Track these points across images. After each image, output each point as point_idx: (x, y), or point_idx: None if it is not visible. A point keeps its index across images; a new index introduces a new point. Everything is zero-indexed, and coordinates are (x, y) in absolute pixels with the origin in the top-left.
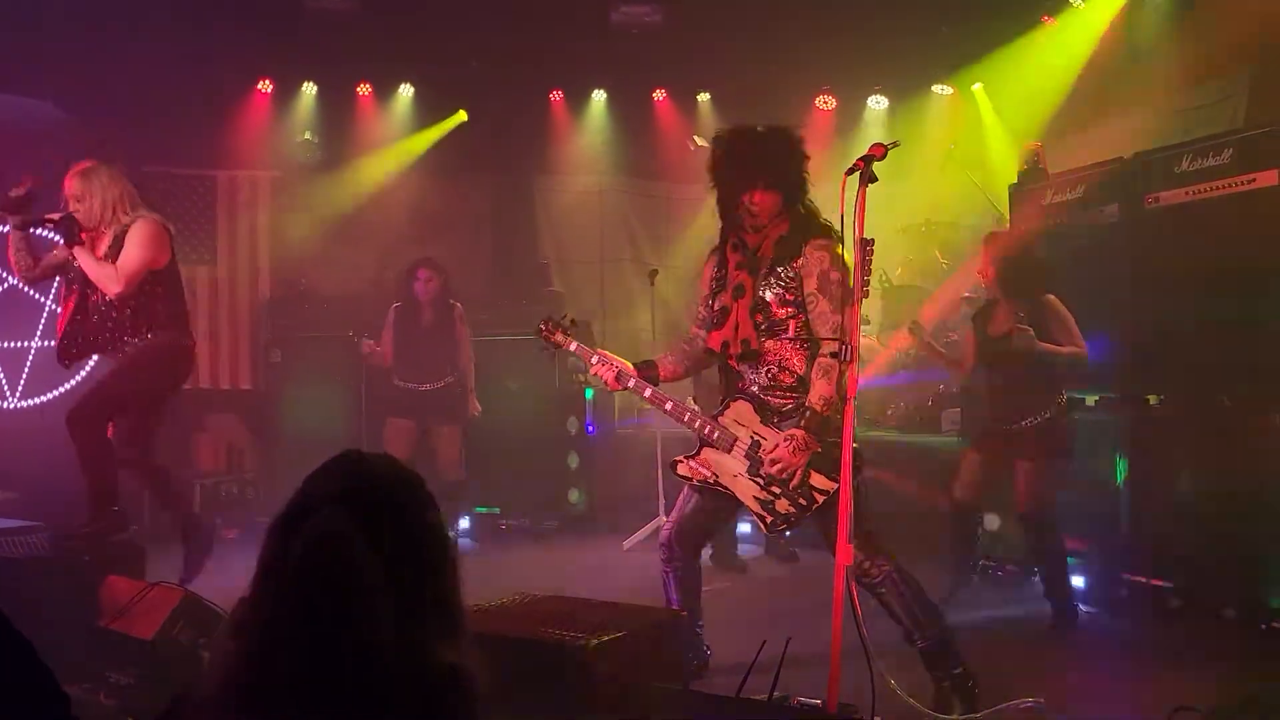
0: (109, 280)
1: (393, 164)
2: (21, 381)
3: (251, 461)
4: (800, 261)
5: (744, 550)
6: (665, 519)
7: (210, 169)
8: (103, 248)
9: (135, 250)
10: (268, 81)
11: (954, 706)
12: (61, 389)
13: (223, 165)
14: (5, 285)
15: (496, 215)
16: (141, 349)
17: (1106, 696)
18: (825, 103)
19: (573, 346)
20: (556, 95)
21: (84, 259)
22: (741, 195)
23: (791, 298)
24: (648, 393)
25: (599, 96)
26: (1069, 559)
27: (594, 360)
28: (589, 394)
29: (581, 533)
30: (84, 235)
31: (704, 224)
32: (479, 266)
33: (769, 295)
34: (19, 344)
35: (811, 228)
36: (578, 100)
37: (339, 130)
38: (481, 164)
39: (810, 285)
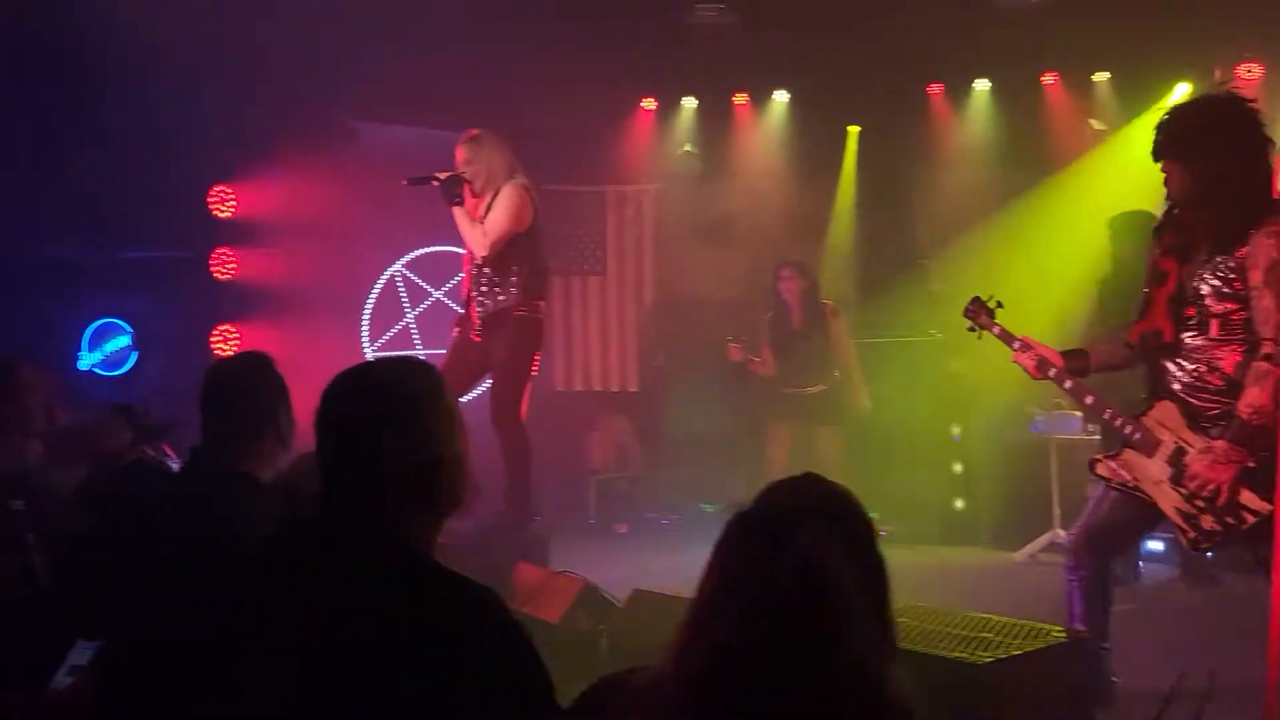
0: (477, 242)
1: (769, 170)
2: None
3: (639, 460)
4: (1246, 249)
5: (1156, 569)
6: (1061, 531)
7: (601, 185)
8: (480, 210)
9: (502, 215)
10: (651, 99)
11: None
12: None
13: (612, 181)
14: (432, 299)
15: (873, 215)
16: (522, 322)
17: None
18: (1249, 71)
19: (995, 331)
20: (936, 89)
21: (460, 219)
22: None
23: (1231, 290)
24: (1068, 384)
25: (981, 86)
26: None
27: (1015, 346)
28: None
29: (966, 542)
30: (468, 197)
31: None
32: (855, 268)
33: (1204, 287)
34: (441, 351)
35: (1261, 210)
36: (958, 92)
37: (717, 141)
38: (858, 163)
39: (1256, 277)
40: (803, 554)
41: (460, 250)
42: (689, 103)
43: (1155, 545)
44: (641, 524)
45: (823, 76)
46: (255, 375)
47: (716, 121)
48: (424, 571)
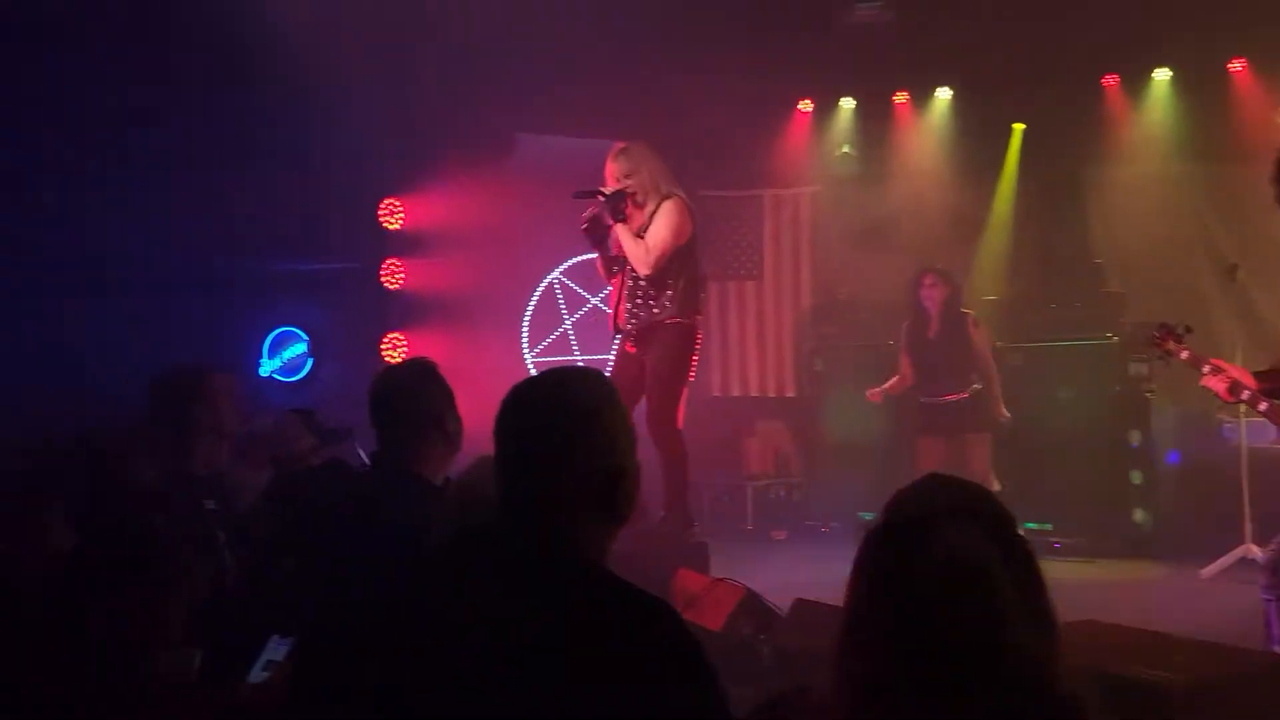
0: (641, 259)
1: (929, 170)
2: None
3: (797, 466)
4: None
5: None
6: (1255, 547)
7: (757, 189)
8: (637, 225)
9: (664, 230)
10: (808, 101)
11: None
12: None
13: (768, 184)
14: (589, 305)
15: (1040, 213)
16: (678, 329)
17: None
18: None
19: (1184, 355)
20: (1111, 80)
21: (623, 236)
22: None
23: None
24: (1263, 406)
25: (1161, 75)
26: None
27: (1205, 370)
28: None
29: (1147, 557)
30: (628, 211)
31: None
32: (1022, 269)
33: None
34: (599, 357)
35: None
36: (1136, 82)
37: (876, 141)
38: (1023, 161)
39: None
40: (947, 552)
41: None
42: (847, 103)
43: None
44: (800, 531)
45: (989, 71)
46: (420, 381)
47: (876, 121)
48: (600, 582)
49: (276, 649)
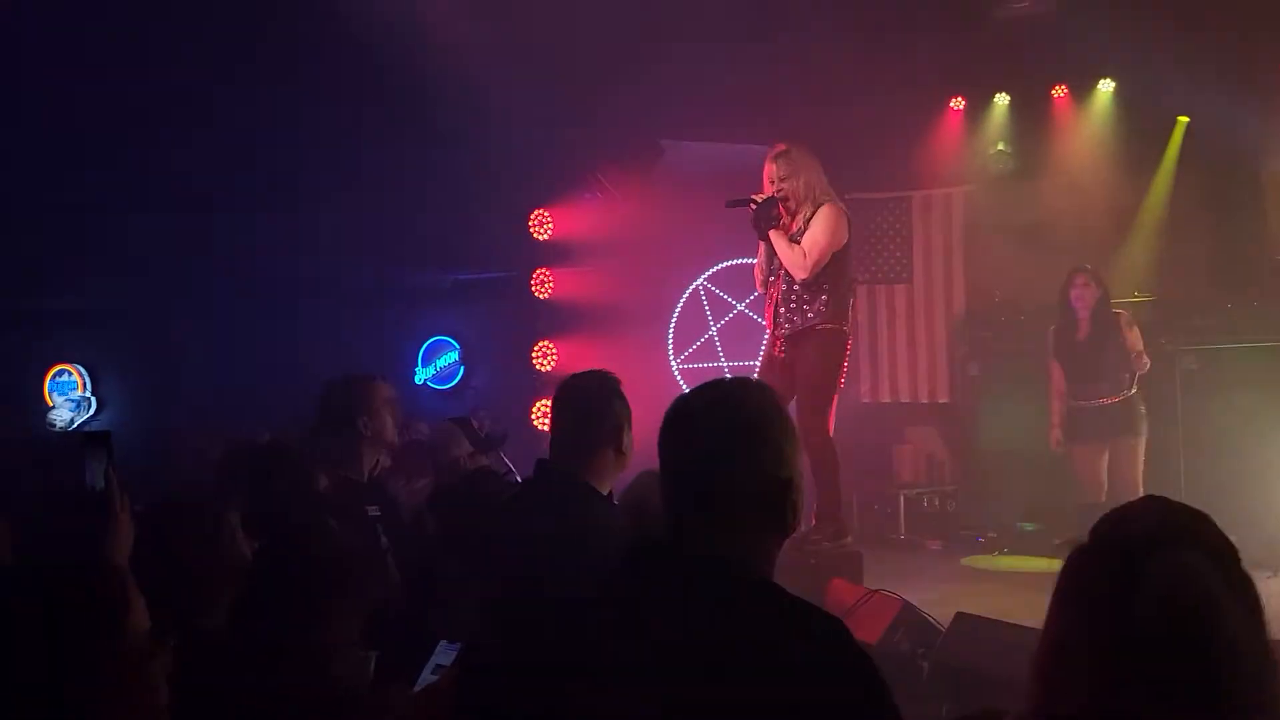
0: (798, 265)
1: (1089, 166)
2: None
3: (951, 475)
4: None
5: None
6: None
7: (906, 190)
8: (791, 230)
9: (821, 235)
10: (960, 98)
11: None
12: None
13: (917, 185)
14: (734, 311)
15: (1207, 209)
16: (828, 335)
17: None
18: None
19: None
20: None
21: (778, 242)
22: None
23: None
24: None
25: None
26: None
27: None
28: None
29: None
30: (782, 217)
31: None
32: (1194, 268)
33: None
34: (745, 363)
35: None
36: None
37: (1033, 137)
38: (1190, 156)
39: None
40: (1170, 581)
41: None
42: (1001, 99)
43: None
44: (955, 541)
45: (1155, 61)
46: (605, 392)
47: (1032, 117)
48: (772, 596)
49: (445, 653)
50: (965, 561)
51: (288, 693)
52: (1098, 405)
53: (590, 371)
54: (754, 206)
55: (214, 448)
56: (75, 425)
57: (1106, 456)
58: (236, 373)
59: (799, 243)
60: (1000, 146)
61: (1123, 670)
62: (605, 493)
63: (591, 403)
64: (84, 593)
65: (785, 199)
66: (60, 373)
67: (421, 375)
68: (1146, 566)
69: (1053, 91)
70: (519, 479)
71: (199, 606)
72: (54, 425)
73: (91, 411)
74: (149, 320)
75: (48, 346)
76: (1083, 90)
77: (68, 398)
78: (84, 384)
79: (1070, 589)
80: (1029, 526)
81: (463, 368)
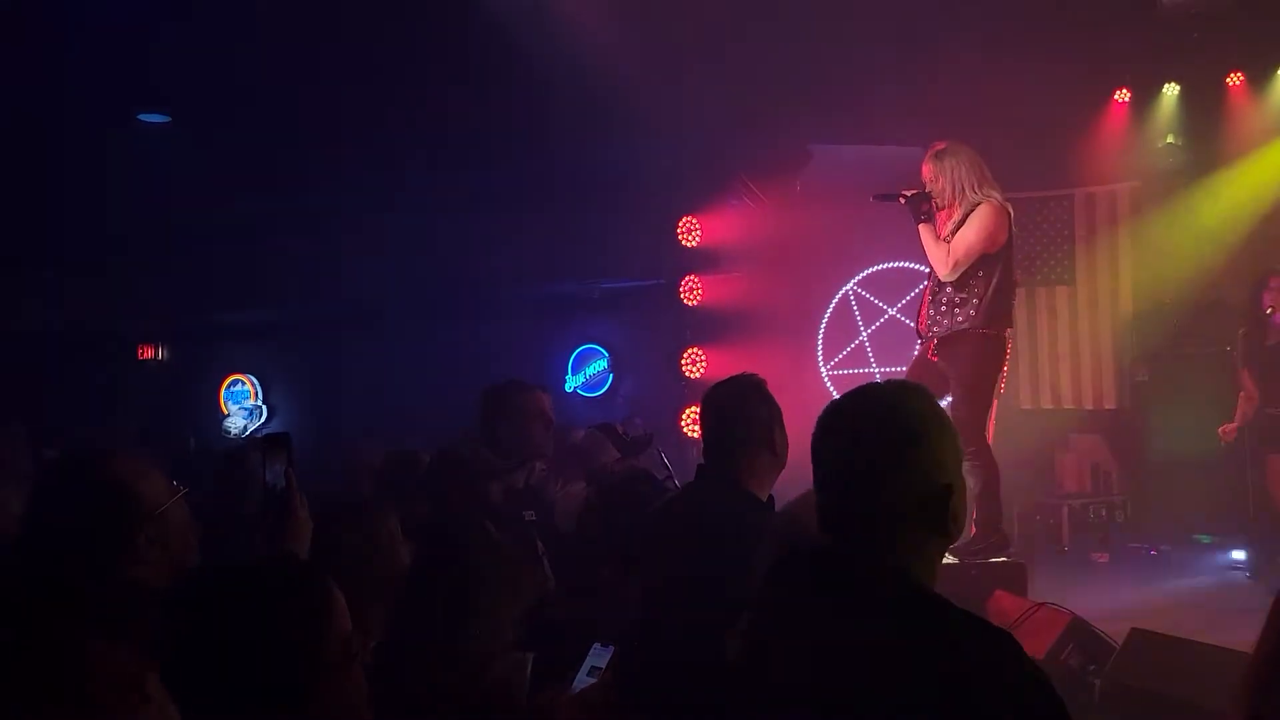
0: (941, 261)
1: (1270, 156)
2: None
3: (1119, 484)
4: None
5: None
6: None
7: (1067, 188)
8: (946, 228)
9: (970, 232)
10: (1125, 91)
11: None
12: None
13: (1079, 183)
14: (886, 316)
15: None
16: (985, 339)
17: None
18: None
19: None
20: None
21: (925, 237)
22: None
23: None
24: None
25: None
26: None
27: None
28: None
29: None
30: (937, 213)
31: None
32: None
33: None
34: (896, 369)
35: None
36: None
37: (1206, 129)
38: None
39: None
40: None
41: (913, 266)
42: (1170, 89)
43: None
44: (1123, 554)
45: None
46: (750, 397)
47: (1204, 107)
48: (936, 611)
49: (599, 655)
50: None
51: (448, 694)
52: None
53: (733, 376)
54: (903, 201)
55: (375, 456)
56: (248, 432)
57: None
58: (396, 382)
59: (948, 241)
60: (1170, 139)
61: None
62: (764, 496)
63: (736, 405)
64: (295, 595)
65: (936, 196)
66: (235, 382)
67: (571, 383)
68: None
69: (1227, 80)
70: (678, 482)
71: (360, 608)
72: (229, 432)
73: (264, 419)
74: (316, 333)
75: (222, 358)
76: (1262, 77)
77: (242, 406)
78: (256, 393)
79: None
80: (1206, 539)
81: (612, 375)
